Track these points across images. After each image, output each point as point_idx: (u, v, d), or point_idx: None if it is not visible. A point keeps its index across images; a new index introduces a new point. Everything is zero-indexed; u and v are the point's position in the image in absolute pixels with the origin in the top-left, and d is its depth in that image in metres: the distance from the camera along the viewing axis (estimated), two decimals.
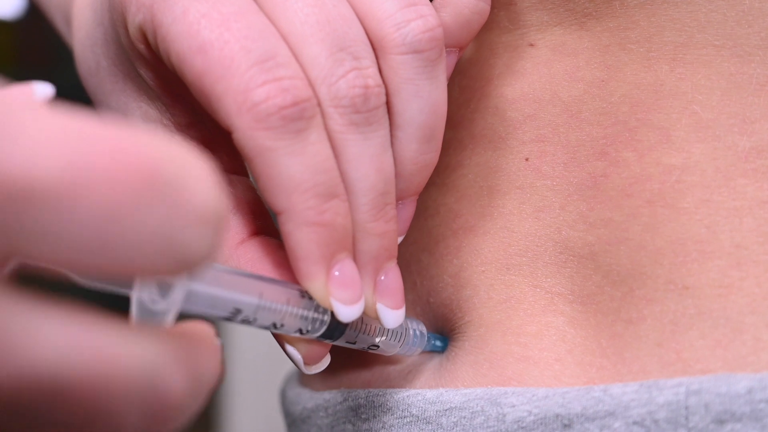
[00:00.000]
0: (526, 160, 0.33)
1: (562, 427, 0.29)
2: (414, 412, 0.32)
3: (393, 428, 0.32)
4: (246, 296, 0.25)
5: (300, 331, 0.28)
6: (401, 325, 0.31)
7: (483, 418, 0.30)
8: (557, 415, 0.29)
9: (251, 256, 0.30)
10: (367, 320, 0.30)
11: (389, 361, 0.35)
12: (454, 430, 0.31)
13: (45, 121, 0.15)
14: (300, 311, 0.27)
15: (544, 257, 0.32)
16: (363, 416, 0.33)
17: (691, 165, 0.30)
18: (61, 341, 0.16)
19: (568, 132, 0.32)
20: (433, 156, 0.30)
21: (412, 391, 0.32)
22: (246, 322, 0.26)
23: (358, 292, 0.28)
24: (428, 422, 0.32)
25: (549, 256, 0.32)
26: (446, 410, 0.31)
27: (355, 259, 0.28)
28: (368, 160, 0.28)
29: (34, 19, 1.73)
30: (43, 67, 1.86)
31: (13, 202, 0.14)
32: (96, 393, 0.16)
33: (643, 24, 0.31)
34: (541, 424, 0.29)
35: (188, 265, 0.17)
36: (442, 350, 0.34)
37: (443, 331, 0.34)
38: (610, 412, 0.28)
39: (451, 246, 0.34)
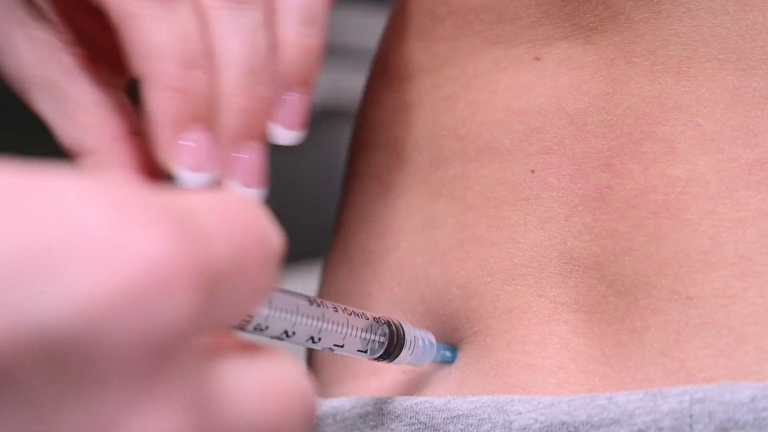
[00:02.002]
0: (532, 171, 0.33)
1: None
2: (422, 419, 0.33)
3: None
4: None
5: (312, 339, 0.28)
6: (412, 335, 0.32)
7: (490, 425, 0.31)
8: (563, 423, 0.30)
9: (128, 153, 0.30)
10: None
11: (398, 370, 0.35)
12: None
13: (211, 215, 0.19)
14: (310, 321, 0.28)
15: (549, 267, 0.32)
16: (371, 423, 0.34)
17: (696, 177, 0.30)
18: (254, 387, 0.19)
19: (574, 144, 0.32)
20: (315, 41, 0.30)
21: (420, 399, 0.33)
22: (258, 329, 0.26)
23: (204, 161, 0.28)
24: (436, 429, 0.32)
25: (554, 266, 0.32)
26: (454, 417, 0.32)
27: (215, 132, 0.29)
28: (238, 35, 0.28)
29: None
30: None
31: (210, 287, 0.18)
32: (292, 420, 0.20)
33: (648, 38, 0.32)
34: (547, 431, 0.30)
35: None
36: (452, 360, 0.34)
37: (453, 343, 0.35)
38: (615, 419, 0.29)
39: (458, 257, 0.34)
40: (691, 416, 0.28)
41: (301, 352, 0.40)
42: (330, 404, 0.36)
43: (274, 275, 0.20)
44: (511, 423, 0.31)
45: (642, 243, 0.31)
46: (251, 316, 0.25)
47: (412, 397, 0.33)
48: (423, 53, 0.37)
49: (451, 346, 0.34)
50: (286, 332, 0.27)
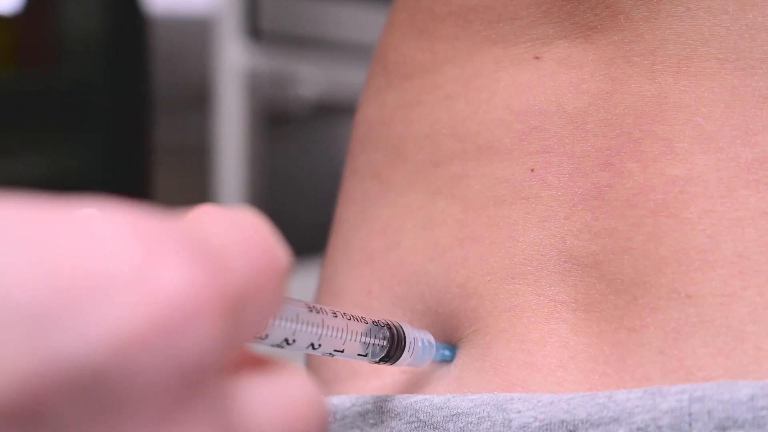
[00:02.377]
0: (532, 170, 0.33)
1: None
2: (421, 417, 0.33)
3: None
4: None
5: (312, 345, 0.28)
6: (412, 337, 0.32)
7: (489, 423, 0.31)
8: (562, 421, 0.30)
9: None
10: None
11: (398, 370, 0.35)
12: None
13: (227, 240, 0.19)
14: (309, 328, 0.28)
15: (549, 266, 0.33)
16: (371, 421, 0.34)
17: (695, 176, 0.30)
18: (272, 402, 0.20)
19: (573, 143, 0.33)
20: None
21: (420, 397, 0.33)
22: (259, 338, 0.26)
23: None
24: (435, 427, 0.32)
25: (553, 265, 0.32)
26: (453, 416, 0.32)
27: None
28: None
29: (33, 14, 1.73)
30: (41, 64, 1.86)
31: (233, 314, 0.18)
32: None
33: (648, 37, 0.32)
34: (547, 429, 0.30)
35: None
36: (451, 359, 0.34)
37: (452, 341, 0.35)
38: (614, 418, 0.29)
39: (458, 256, 0.34)
40: (690, 414, 0.28)
41: (301, 353, 0.40)
42: (330, 402, 0.36)
43: (284, 291, 0.21)
44: (510, 421, 0.31)
45: (641, 242, 0.31)
46: None
47: (411, 395, 0.33)
48: (423, 52, 0.37)
49: (450, 345, 0.34)
50: (286, 340, 0.27)
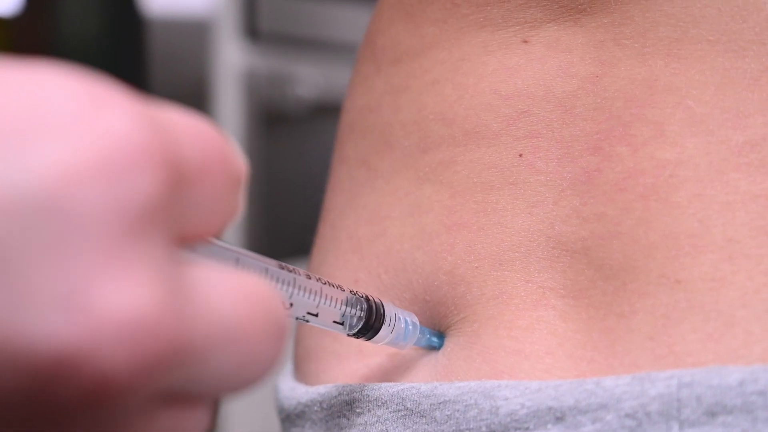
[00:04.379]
0: (520, 155, 0.33)
1: (554, 420, 0.29)
2: (408, 405, 0.32)
3: (387, 422, 0.33)
4: (223, 263, 0.25)
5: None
6: (392, 313, 0.32)
7: (476, 411, 0.31)
8: (550, 408, 0.29)
9: None
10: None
11: (385, 356, 0.35)
12: (448, 423, 0.31)
13: (180, 121, 0.20)
14: (279, 285, 0.27)
15: (537, 252, 0.32)
16: (357, 410, 0.34)
17: (685, 159, 0.30)
18: (226, 289, 0.20)
19: (562, 128, 0.32)
20: None
21: (407, 385, 0.33)
22: None
23: None
24: (422, 415, 0.32)
25: (542, 251, 0.32)
26: (440, 403, 0.31)
27: None
28: None
29: (31, 15, 1.73)
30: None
31: (178, 177, 0.19)
32: (259, 325, 0.20)
33: (638, 19, 0.31)
34: (534, 416, 0.29)
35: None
36: (439, 347, 0.34)
37: (440, 329, 0.34)
38: (602, 404, 0.29)
39: (446, 243, 0.34)
40: (678, 400, 0.28)
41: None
42: (317, 391, 0.36)
43: (238, 200, 0.21)
44: (497, 408, 0.30)
45: (630, 227, 0.30)
46: None
47: (398, 383, 0.33)
48: (411, 36, 0.36)
49: (438, 333, 0.34)
50: None
